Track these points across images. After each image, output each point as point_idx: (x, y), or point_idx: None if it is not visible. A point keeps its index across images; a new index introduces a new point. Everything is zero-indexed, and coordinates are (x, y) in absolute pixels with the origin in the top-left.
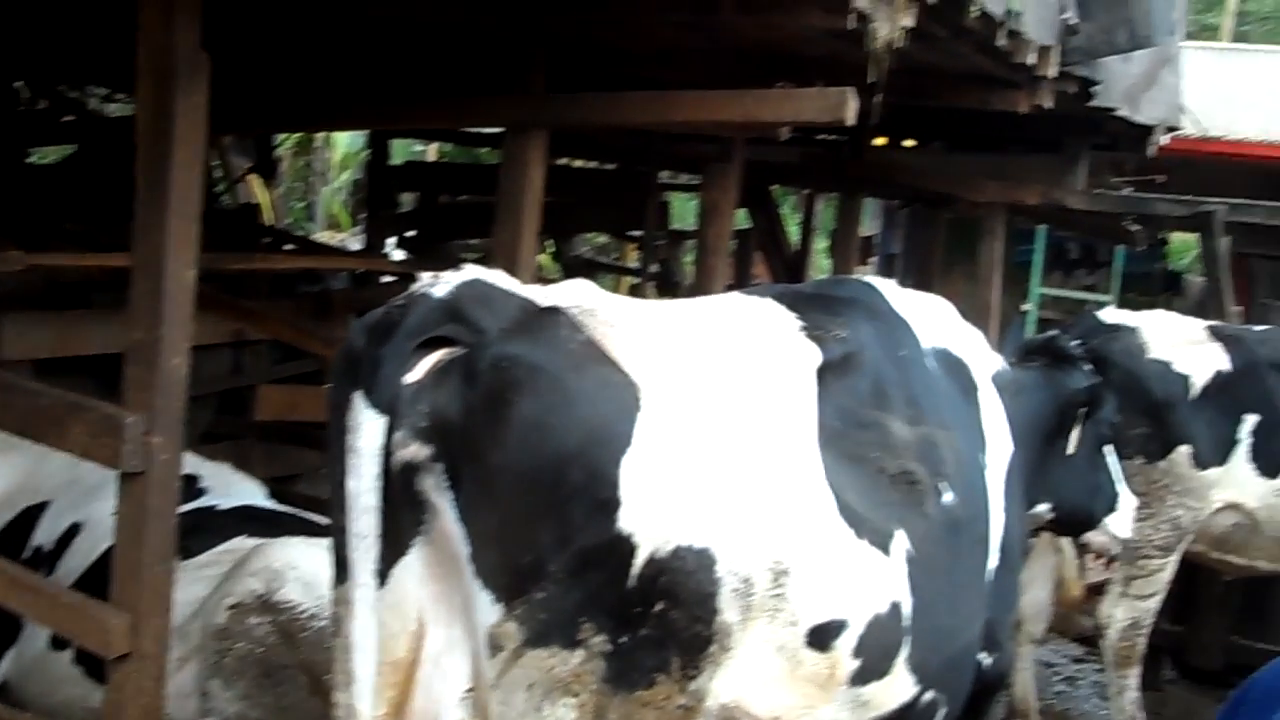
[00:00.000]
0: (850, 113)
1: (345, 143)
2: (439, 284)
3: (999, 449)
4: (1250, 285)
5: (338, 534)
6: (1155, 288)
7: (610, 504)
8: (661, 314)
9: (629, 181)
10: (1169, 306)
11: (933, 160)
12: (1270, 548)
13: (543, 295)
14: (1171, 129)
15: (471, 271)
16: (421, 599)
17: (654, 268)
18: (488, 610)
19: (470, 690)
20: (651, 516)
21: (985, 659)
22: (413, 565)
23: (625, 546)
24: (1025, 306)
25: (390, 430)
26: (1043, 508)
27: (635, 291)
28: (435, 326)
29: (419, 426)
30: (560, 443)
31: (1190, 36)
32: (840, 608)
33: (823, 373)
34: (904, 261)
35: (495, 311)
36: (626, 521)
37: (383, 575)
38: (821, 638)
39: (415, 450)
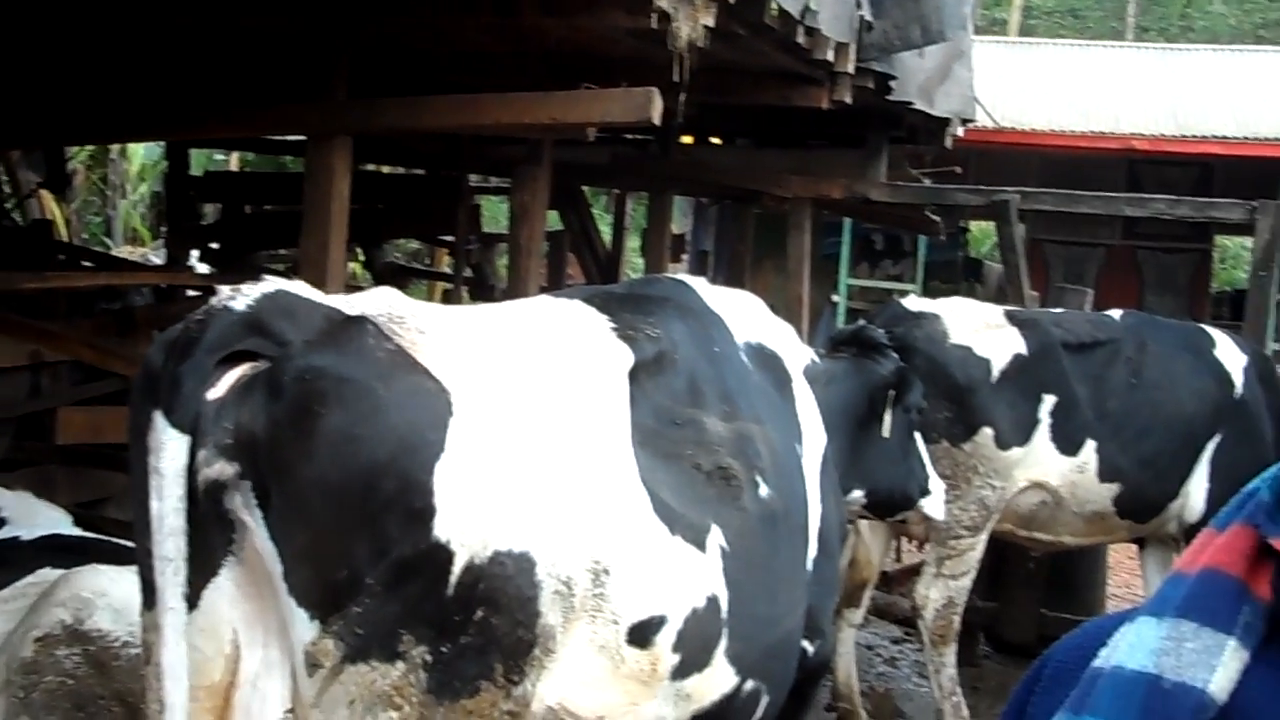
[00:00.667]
0: (656, 112)
1: (143, 154)
2: (239, 297)
3: (814, 439)
4: (1046, 269)
5: (144, 558)
6: (957, 275)
7: (425, 512)
8: (472, 319)
9: (438, 186)
10: (971, 293)
11: (739, 157)
12: (1074, 523)
13: (349, 305)
14: (966, 121)
15: (273, 283)
16: (235, 621)
17: (467, 272)
18: (304, 628)
19: (290, 711)
20: (468, 523)
21: (808, 646)
22: (224, 586)
23: (442, 555)
24: (835, 298)
25: (194, 449)
26: (857, 494)
27: (449, 297)
28: (236, 341)
29: (223, 444)
30: (371, 453)
31: (980, 31)
32: (659, 604)
33: (635, 372)
34: (715, 258)
35: (299, 323)
36: (443, 529)
37: (193, 598)
38: (642, 635)
39: (221, 468)
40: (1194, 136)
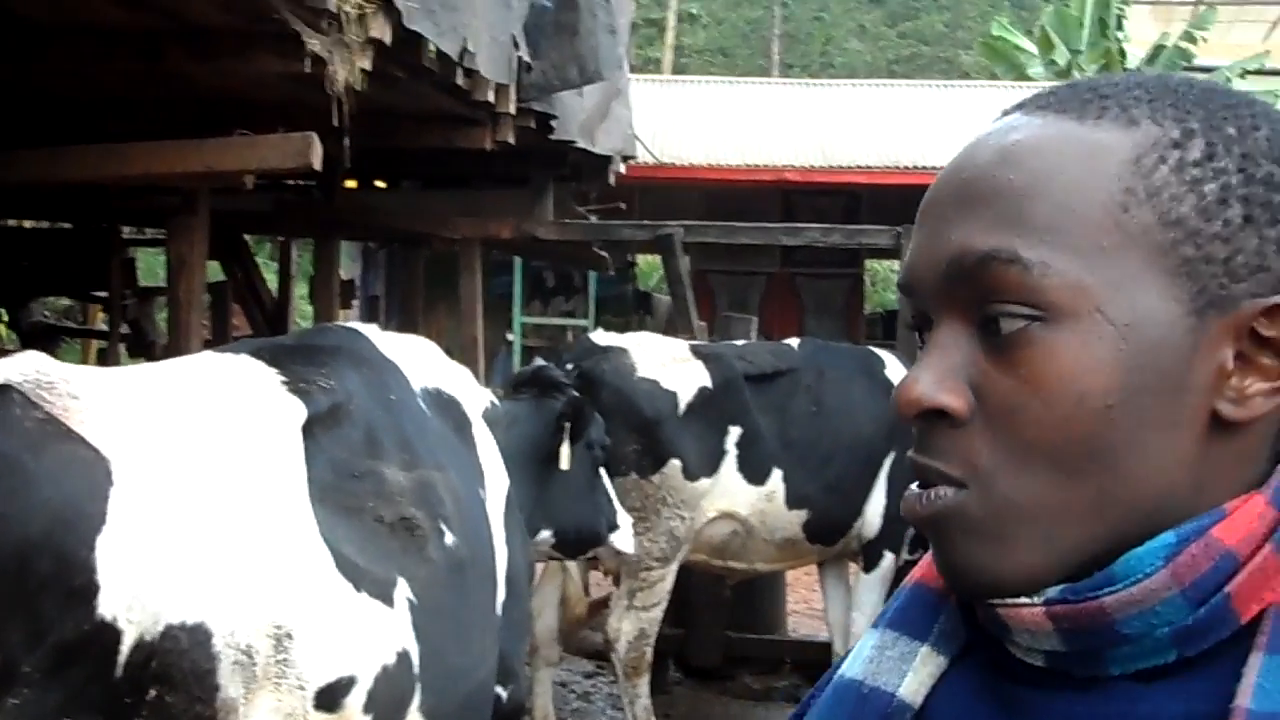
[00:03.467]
0: (316, 157)
1: None
2: None
3: (496, 483)
4: (712, 299)
5: None
6: (628, 309)
7: (87, 590)
8: (131, 380)
9: (88, 239)
10: (641, 325)
11: (405, 200)
12: (766, 550)
13: None
14: (627, 158)
15: None
16: None
17: (124, 329)
18: None
19: None
20: (136, 597)
21: (502, 692)
22: None
23: (109, 634)
24: (510, 336)
25: None
26: (545, 534)
27: (105, 356)
28: None
29: None
30: (22, 531)
31: (634, 70)
32: (347, 664)
33: (309, 426)
34: (387, 302)
35: None
36: (108, 606)
37: None
38: (330, 698)
39: None
40: (841, 167)
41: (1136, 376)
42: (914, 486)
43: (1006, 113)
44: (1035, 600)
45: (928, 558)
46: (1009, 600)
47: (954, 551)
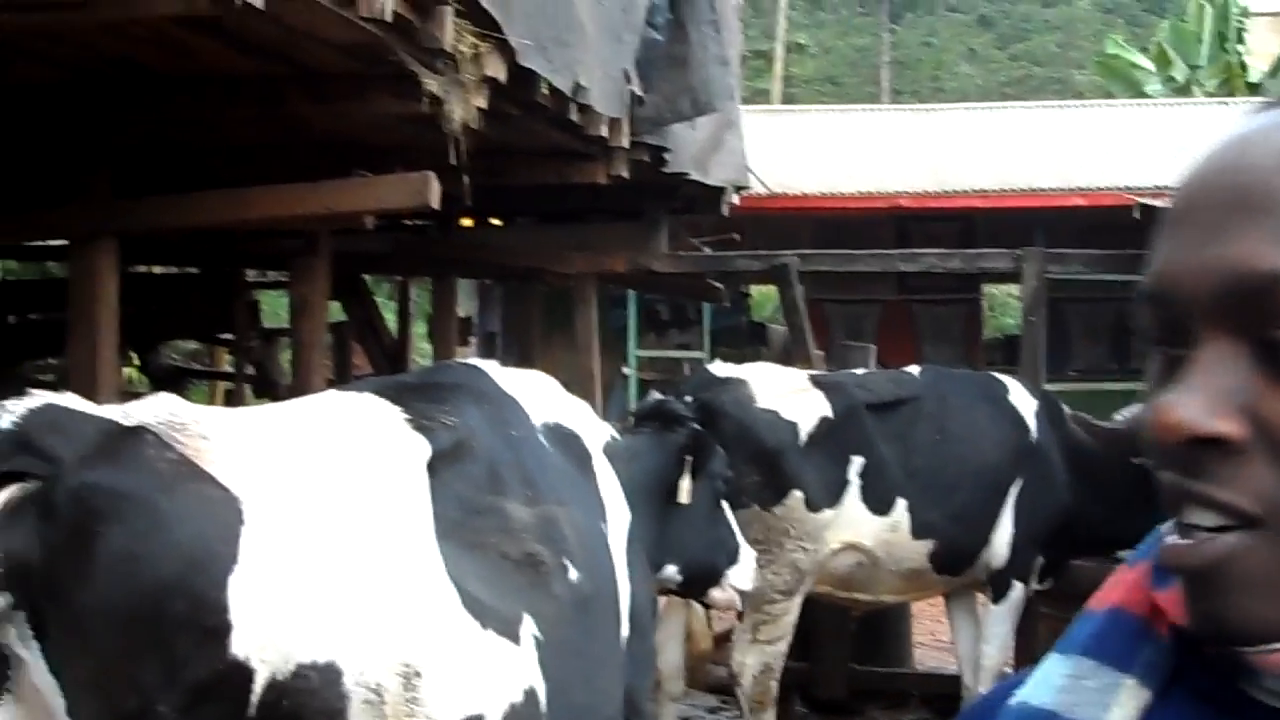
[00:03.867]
0: (434, 196)
1: None
2: (3, 414)
3: (618, 517)
4: (827, 328)
5: None
6: (742, 340)
7: (220, 630)
8: (258, 421)
9: (213, 283)
10: (756, 356)
11: (520, 236)
12: (892, 581)
13: (124, 414)
14: (740, 188)
15: (40, 396)
16: None
17: (249, 370)
18: None
19: None
20: (267, 637)
21: None
22: None
23: (242, 673)
24: (625, 370)
25: None
26: (671, 569)
27: (231, 397)
28: (2, 462)
29: None
30: (156, 572)
31: (744, 102)
32: (475, 702)
33: (434, 463)
34: (504, 339)
35: (70, 437)
36: (240, 646)
37: None
38: None
39: None
40: (955, 191)
41: None
42: (1173, 532)
43: (1268, 106)
44: None
45: (1115, 579)
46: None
47: (1228, 600)
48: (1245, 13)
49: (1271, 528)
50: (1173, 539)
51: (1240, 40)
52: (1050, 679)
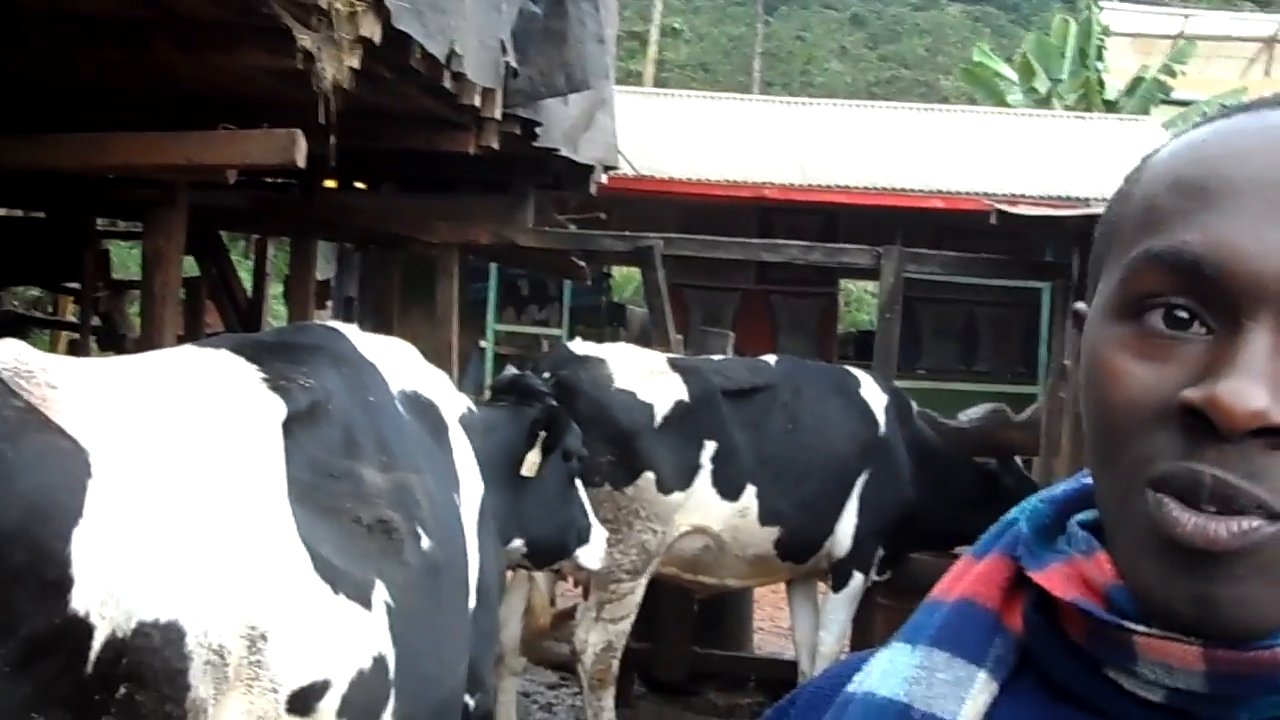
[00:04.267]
0: (300, 155)
1: None
2: None
3: (471, 489)
4: (687, 314)
5: None
6: (602, 320)
7: (61, 584)
8: (111, 372)
9: (61, 229)
10: (614, 337)
11: (385, 202)
12: (737, 566)
13: None
14: (609, 168)
15: None
16: None
17: (95, 321)
18: None
19: None
20: (109, 593)
21: (470, 700)
22: None
23: (81, 629)
24: (483, 343)
25: None
26: (517, 544)
27: (75, 348)
28: None
29: None
30: None
31: (616, 82)
32: (322, 668)
33: (289, 424)
34: (362, 305)
35: None
36: (81, 601)
37: None
38: (304, 702)
39: None
40: (819, 186)
41: None
42: (1185, 509)
43: None
44: (1194, 640)
45: (974, 570)
46: (1255, 645)
47: (1232, 588)
48: (1106, 31)
49: None
50: (1192, 517)
51: (1100, 57)
52: (899, 669)
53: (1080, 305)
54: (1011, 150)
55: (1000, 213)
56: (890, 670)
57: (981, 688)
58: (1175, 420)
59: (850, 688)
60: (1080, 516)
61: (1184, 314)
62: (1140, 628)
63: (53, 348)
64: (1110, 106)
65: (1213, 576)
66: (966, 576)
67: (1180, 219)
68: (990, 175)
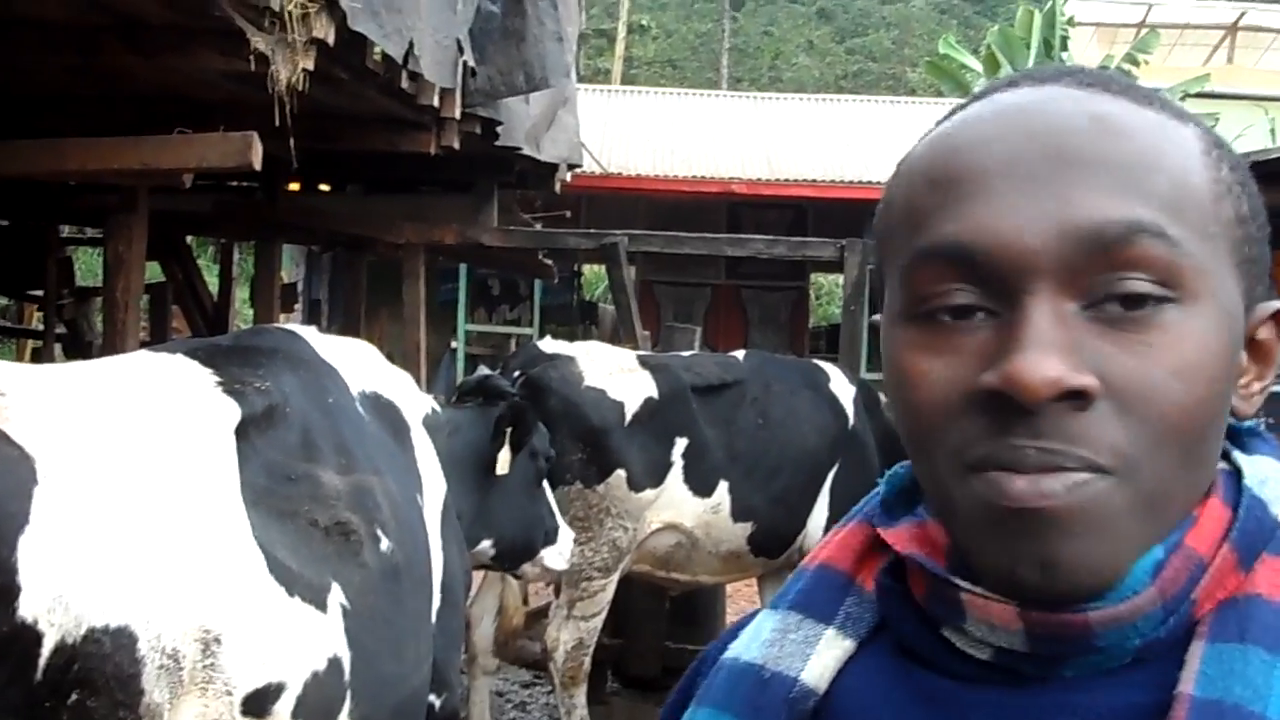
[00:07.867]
0: (257, 157)
1: None
2: None
3: (434, 489)
4: (657, 309)
5: None
6: (573, 318)
7: (8, 591)
8: (60, 378)
9: (24, 237)
10: (586, 335)
11: (349, 204)
12: (710, 562)
13: None
14: (573, 166)
15: None
16: None
17: (60, 329)
18: None
19: None
20: (58, 599)
21: (435, 700)
22: None
23: (29, 636)
24: (453, 344)
25: None
26: (485, 544)
27: (40, 355)
28: None
29: None
30: None
31: (583, 80)
32: (277, 670)
33: (243, 428)
34: (330, 307)
35: None
36: (29, 608)
37: None
38: (258, 704)
39: None
40: (787, 180)
41: (1230, 367)
42: (1014, 475)
43: (1033, 84)
44: (1011, 600)
45: (827, 538)
46: (1094, 605)
47: (1071, 546)
48: (1071, 21)
49: (1120, 477)
50: (1022, 479)
51: (1065, 48)
52: (760, 634)
53: (876, 318)
54: None
55: None
56: (754, 635)
57: (828, 644)
58: (981, 406)
59: (726, 654)
60: None
61: (966, 303)
62: (966, 584)
63: (19, 356)
64: None
65: (1051, 538)
66: (829, 544)
67: (941, 213)
68: None
